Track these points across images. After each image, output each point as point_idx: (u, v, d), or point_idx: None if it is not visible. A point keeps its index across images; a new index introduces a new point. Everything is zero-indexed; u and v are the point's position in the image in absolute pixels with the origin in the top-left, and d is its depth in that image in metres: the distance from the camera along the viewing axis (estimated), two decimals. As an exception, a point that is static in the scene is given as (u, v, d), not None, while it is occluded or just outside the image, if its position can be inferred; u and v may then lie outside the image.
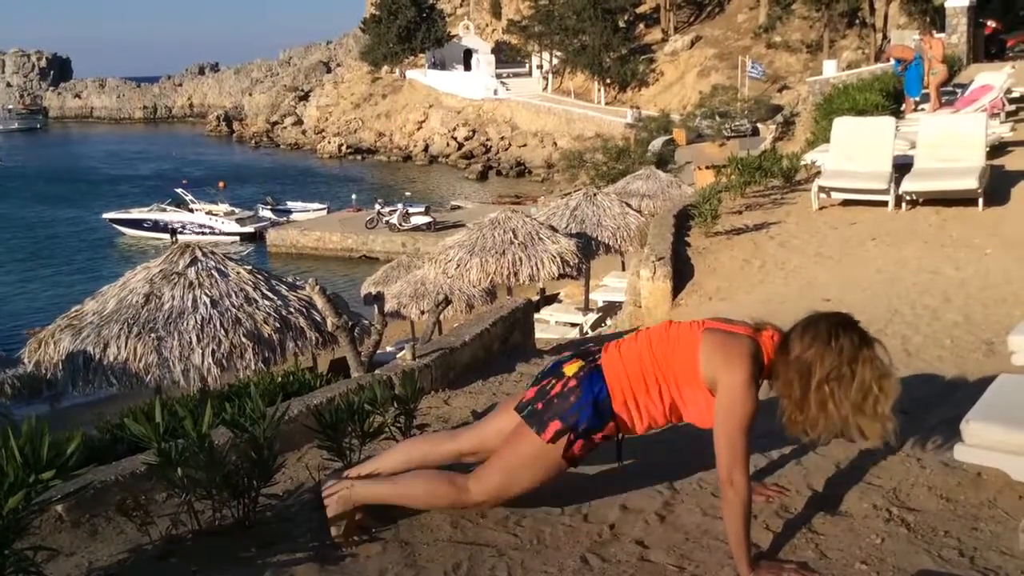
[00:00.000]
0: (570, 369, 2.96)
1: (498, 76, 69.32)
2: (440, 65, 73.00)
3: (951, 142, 9.97)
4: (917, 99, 15.38)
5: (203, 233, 39.29)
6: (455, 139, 66.42)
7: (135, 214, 42.80)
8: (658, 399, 2.91)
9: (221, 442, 3.30)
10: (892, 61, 16.96)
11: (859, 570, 2.77)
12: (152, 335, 7.93)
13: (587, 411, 2.89)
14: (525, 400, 3.00)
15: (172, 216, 41.70)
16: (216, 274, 8.44)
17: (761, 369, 2.80)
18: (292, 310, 8.42)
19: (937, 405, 4.21)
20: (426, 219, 36.93)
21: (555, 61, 68.11)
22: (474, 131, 66.17)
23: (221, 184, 52.63)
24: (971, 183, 9.29)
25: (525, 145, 62.19)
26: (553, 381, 2.97)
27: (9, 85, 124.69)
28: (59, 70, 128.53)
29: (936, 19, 30.35)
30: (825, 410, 2.74)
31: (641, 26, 68.07)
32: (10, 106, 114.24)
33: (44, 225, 47.04)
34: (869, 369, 2.72)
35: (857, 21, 51.28)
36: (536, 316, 8.25)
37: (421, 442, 3.32)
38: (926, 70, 15.19)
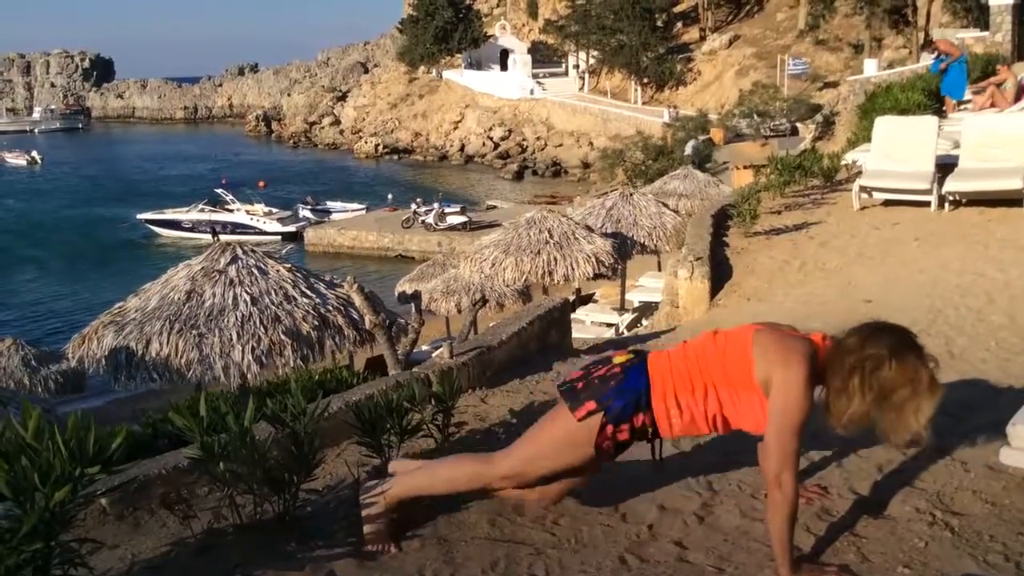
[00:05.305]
0: (619, 358, 2.98)
1: (534, 76, 69.29)
2: (476, 65, 73.12)
3: (996, 142, 9.80)
4: (963, 99, 15.08)
5: (245, 233, 39.45)
6: (491, 139, 66.46)
7: (170, 214, 43.06)
8: (702, 401, 2.85)
9: (262, 437, 3.33)
10: (931, 61, 16.57)
11: (902, 574, 2.74)
12: (193, 332, 8.01)
13: (624, 396, 2.88)
14: (568, 379, 3.02)
15: (212, 216, 41.98)
16: (256, 272, 8.50)
17: (816, 372, 2.75)
18: (331, 308, 8.46)
19: (982, 408, 4.14)
20: (462, 219, 37.00)
21: (592, 61, 67.92)
22: (510, 131, 66.19)
23: (261, 184, 53.10)
24: (1016, 183, 9.13)
25: (561, 145, 62.11)
26: (600, 366, 2.98)
27: (53, 85, 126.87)
28: (102, 71, 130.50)
29: (981, 17, 29.80)
30: (880, 411, 2.73)
31: (679, 25, 67.73)
32: (52, 106, 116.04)
33: (83, 225, 47.51)
34: (927, 391, 2.69)
35: (899, 20, 50.61)
36: (571, 316, 8.23)
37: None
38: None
